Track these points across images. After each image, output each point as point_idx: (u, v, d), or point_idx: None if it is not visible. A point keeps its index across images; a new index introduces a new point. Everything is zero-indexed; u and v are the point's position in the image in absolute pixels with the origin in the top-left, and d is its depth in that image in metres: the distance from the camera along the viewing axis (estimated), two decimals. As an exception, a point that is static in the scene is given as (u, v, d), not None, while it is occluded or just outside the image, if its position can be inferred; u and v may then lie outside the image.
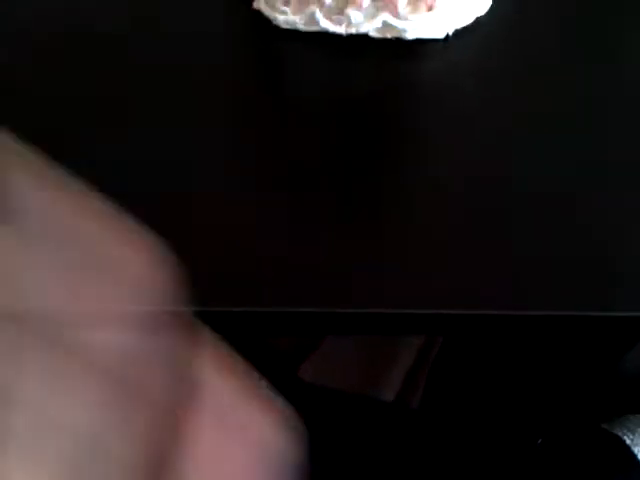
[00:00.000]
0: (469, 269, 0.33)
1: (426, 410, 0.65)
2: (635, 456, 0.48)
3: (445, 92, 0.42)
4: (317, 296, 0.32)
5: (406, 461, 0.49)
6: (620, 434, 0.49)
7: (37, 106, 0.41)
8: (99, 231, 0.13)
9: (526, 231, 0.34)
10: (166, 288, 0.13)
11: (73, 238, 0.12)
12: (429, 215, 0.35)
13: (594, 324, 0.32)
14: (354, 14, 0.44)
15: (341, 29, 0.45)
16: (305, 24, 0.45)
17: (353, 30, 0.45)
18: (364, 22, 0.44)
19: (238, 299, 0.32)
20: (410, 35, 0.44)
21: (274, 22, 0.46)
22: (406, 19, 0.44)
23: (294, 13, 0.45)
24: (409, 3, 0.44)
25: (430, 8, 0.44)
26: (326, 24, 0.45)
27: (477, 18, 0.46)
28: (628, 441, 0.48)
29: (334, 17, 0.45)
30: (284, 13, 0.46)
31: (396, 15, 0.44)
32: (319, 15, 0.45)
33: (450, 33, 0.45)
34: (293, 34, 0.46)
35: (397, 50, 0.44)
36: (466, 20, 0.46)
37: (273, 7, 0.46)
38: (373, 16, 0.44)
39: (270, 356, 0.58)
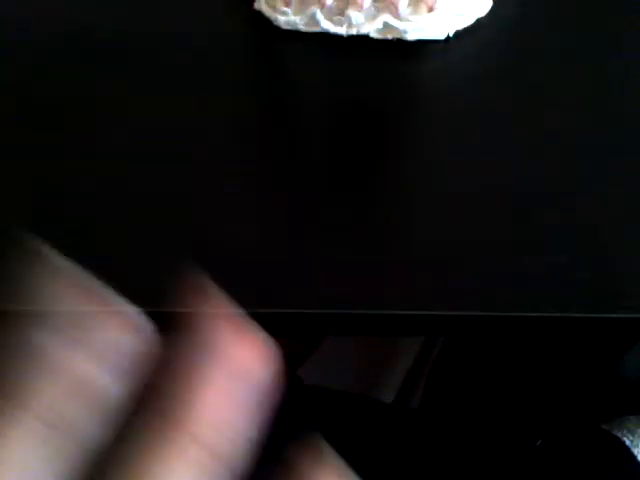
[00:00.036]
0: (469, 269, 0.33)
1: (426, 410, 0.65)
2: (635, 457, 0.48)
3: (446, 93, 0.42)
4: (317, 297, 0.32)
5: (406, 461, 0.49)
6: (620, 435, 0.49)
7: (37, 106, 0.41)
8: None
9: (526, 231, 0.34)
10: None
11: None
12: (429, 215, 0.35)
13: (594, 325, 0.32)
14: (355, 15, 0.44)
15: (342, 30, 0.45)
16: (306, 25, 0.45)
17: (354, 31, 0.45)
18: (365, 23, 0.44)
19: (238, 299, 0.32)
20: (411, 36, 0.45)
21: (275, 23, 0.46)
22: (407, 20, 0.44)
23: (295, 14, 0.45)
24: (410, 4, 0.44)
25: (431, 9, 0.44)
26: (327, 25, 0.45)
27: (478, 19, 0.46)
28: (628, 442, 0.48)
29: (335, 18, 0.45)
30: (285, 14, 0.46)
31: (397, 16, 0.44)
32: (320, 16, 0.45)
33: (451, 34, 0.45)
34: (294, 35, 0.46)
35: (398, 51, 0.44)
36: (467, 21, 0.46)
37: (274, 8, 0.46)
38: (374, 17, 0.44)
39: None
